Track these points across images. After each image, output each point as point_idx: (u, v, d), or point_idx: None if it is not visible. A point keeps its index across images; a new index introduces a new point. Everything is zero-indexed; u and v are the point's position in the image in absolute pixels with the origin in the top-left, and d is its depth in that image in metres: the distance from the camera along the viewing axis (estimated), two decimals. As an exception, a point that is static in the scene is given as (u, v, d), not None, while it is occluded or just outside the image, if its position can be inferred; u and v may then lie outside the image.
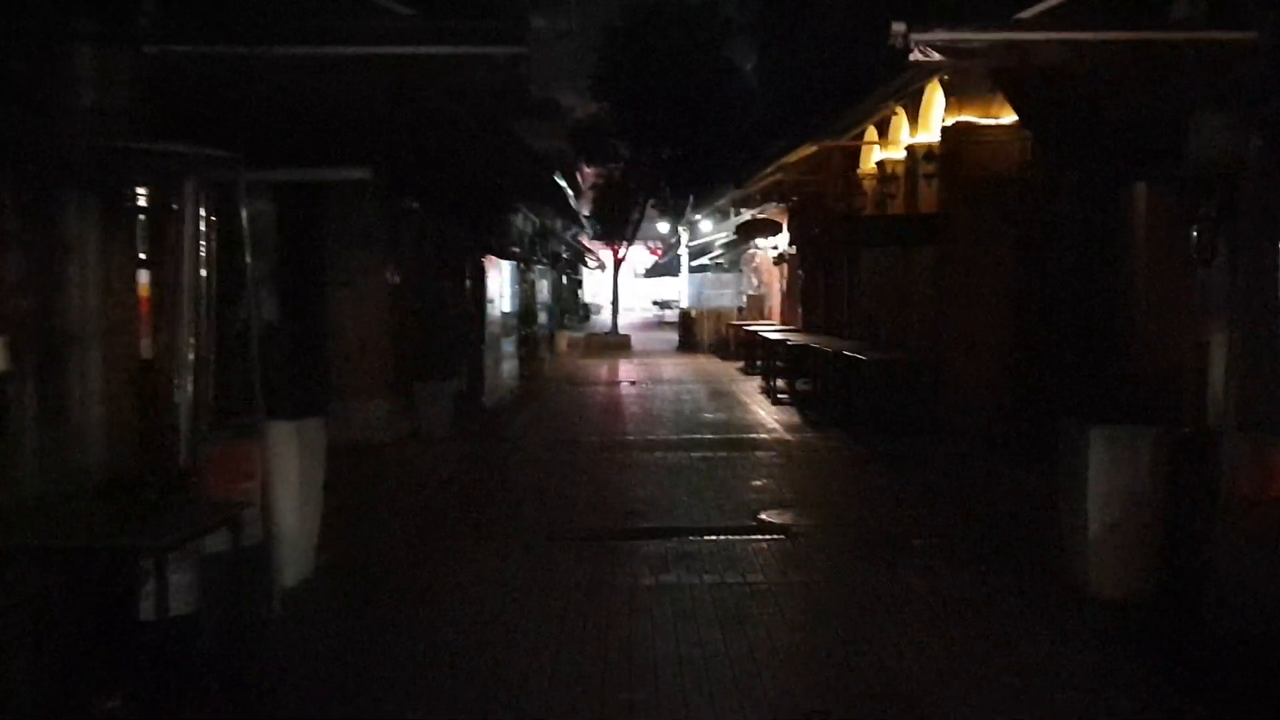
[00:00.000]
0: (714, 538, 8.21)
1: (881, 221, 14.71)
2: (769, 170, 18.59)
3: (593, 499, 9.74)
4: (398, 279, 13.46)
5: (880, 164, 16.36)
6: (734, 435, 13.57)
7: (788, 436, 13.38)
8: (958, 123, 12.90)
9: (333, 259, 12.76)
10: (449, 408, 13.61)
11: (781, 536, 8.23)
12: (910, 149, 14.81)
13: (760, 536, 8.23)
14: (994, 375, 12.60)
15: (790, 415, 15.37)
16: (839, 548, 7.89)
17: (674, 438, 13.43)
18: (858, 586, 6.93)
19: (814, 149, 17.69)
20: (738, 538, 8.19)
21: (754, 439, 13.24)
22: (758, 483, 10.40)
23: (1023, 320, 12.60)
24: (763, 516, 8.86)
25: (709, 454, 12.11)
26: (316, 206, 12.57)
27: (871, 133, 16.63)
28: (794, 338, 18.59)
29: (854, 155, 17.86)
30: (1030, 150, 12.67)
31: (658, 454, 12.18)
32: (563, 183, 24.15)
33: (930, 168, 13.75)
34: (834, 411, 14.72)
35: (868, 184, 17.09)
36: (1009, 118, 12.67)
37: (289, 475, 6.62)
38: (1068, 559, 6.86)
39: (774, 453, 12.20)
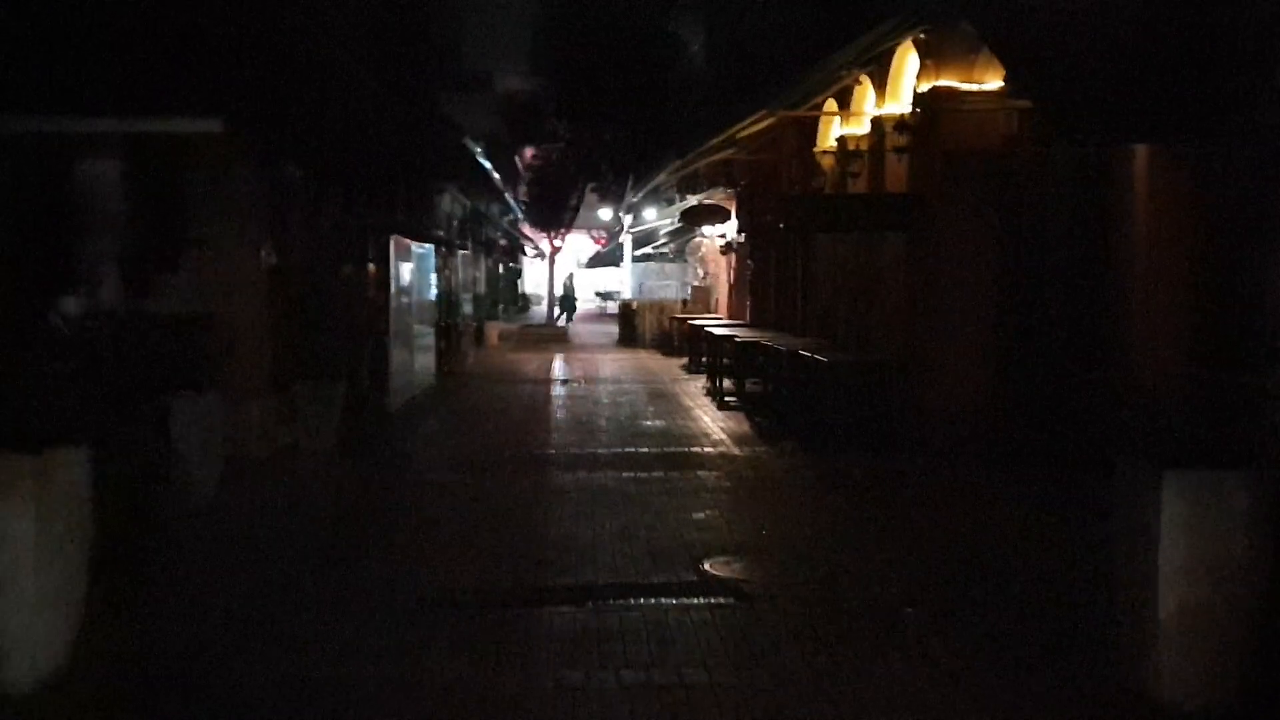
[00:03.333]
0: (643, 601, 6.25)
1: (844, 203, 12.84)
2: (717, 141, 16.64)
3: (494, 542, 7.62)
4: (277, 259, 11.36)
5: (841, 140, 14.51)
6: (675, 449, 11.61)
7: (737, 451, 11.44)
8: (935, 88, 11.06)
9: (196, 234, 10.65)
10: (336, 414, 11.53)
11: (731, 600, 6.28)
12: (876, 121, 12.96)
13: (703, 600, 6.25)
14: (976, 379, 10.81)
15: (739, 423, 13.45)
16: (808, 620, 5.92)
17: (604, 452, 11.44)
18: (840, 691, 4.98)
19: (768, 122, 15.76)
20: (674, 601, 6.20)
21: (698, 454, 11.28)
22: (700, 515, 8.42)
23: (1009, 316, 10.82)
24: (707, 567, 6.89)
25: (644, 474, 10.14)
26: (176, 170, 10.45)
27: (831, 105, 14.78)
28: (742, 333, 16.71)
29: (810, 131, 15.99)
30: (1018, 122, 10.90)
31: (583, 474, 10.18)
32: (488, 165, 22.03)
33: (901, 140, 11.90)
34: (789, 420, 12.85)
35: (826, 162, 15.22)
36: (994, 82, 10.88)
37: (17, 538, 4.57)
38: (1125, 649, 4.99)
39: (721, 473, 10.25)
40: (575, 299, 37.10)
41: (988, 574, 6.84)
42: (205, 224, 10.42)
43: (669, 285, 37.65)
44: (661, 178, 24.76)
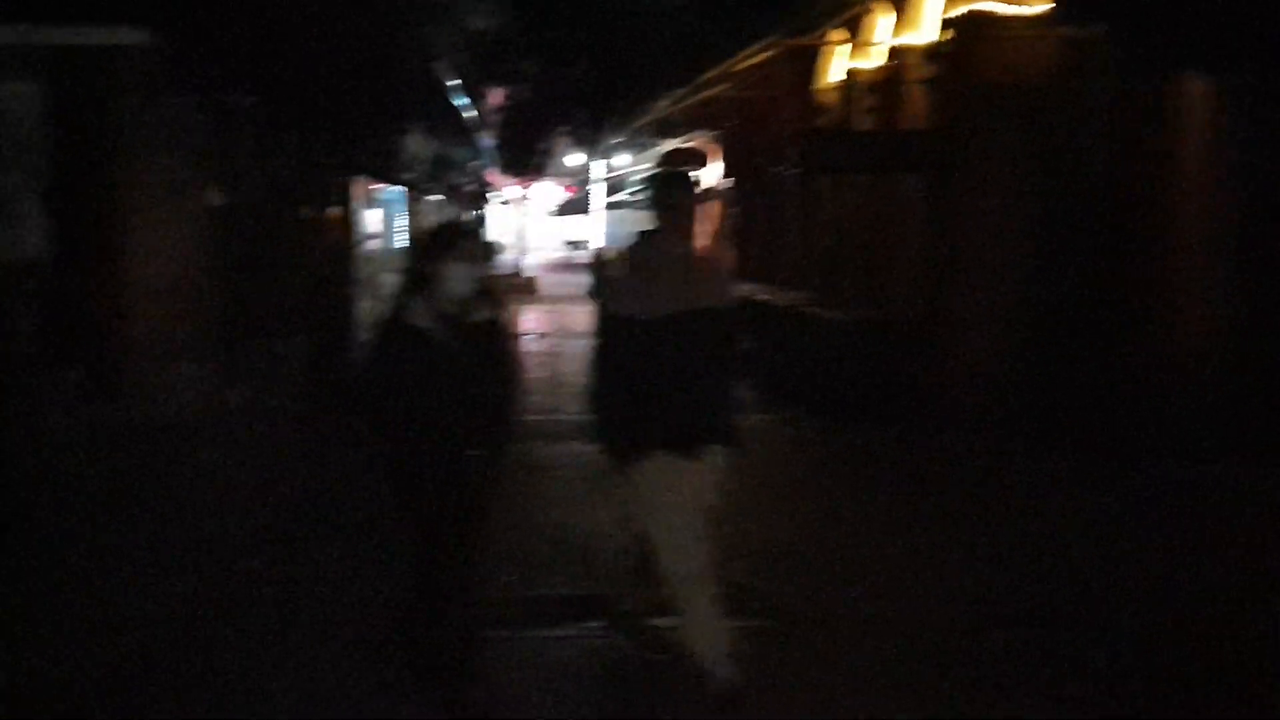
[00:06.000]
0: (658, 623, 5.08)
1: (861, 141, 11.59)
2: (711, 75, 15.33)
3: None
4: (224, 200, 10.01)
5: (851, 73, 13.25)
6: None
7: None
8: (971, 12, 9.83)
9: (128, 170, 9.26)
10: (292, 372, 10.26)
11: (770, 622, 5.09)
12: (895, 51, 11.71)
13: (733, 622, 5.08)
14: (1006, 341, 9.66)
15: (733, 385, 12.22)
16: (880, 651, 4.74)
17: (587, 419, 10.16)
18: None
19: (764, 55, 14.50)
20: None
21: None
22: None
23: (1047, 270, 9.67)
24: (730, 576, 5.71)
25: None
26: (103, 96, 9.04)
27: (838, 37, 13.52)
28: (731, 286, 15.50)
29: (809, 66, 14.69)
30: (1063, 52, 9.69)
31: (564, 447, 8.93)
32: (460, 102, 20.61)
33: (929, 71, 10.65)
34: (786, 384, 11.58)
35: (830, 100, 13.98)
36: (1039, 5, 9.66)
37: None
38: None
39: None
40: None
41: (1086, 581, 5.70)
42: (134, 158, 9.03)
43: (641, 234, 36.27)
44: (641, 130, 23.46)
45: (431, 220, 24.16)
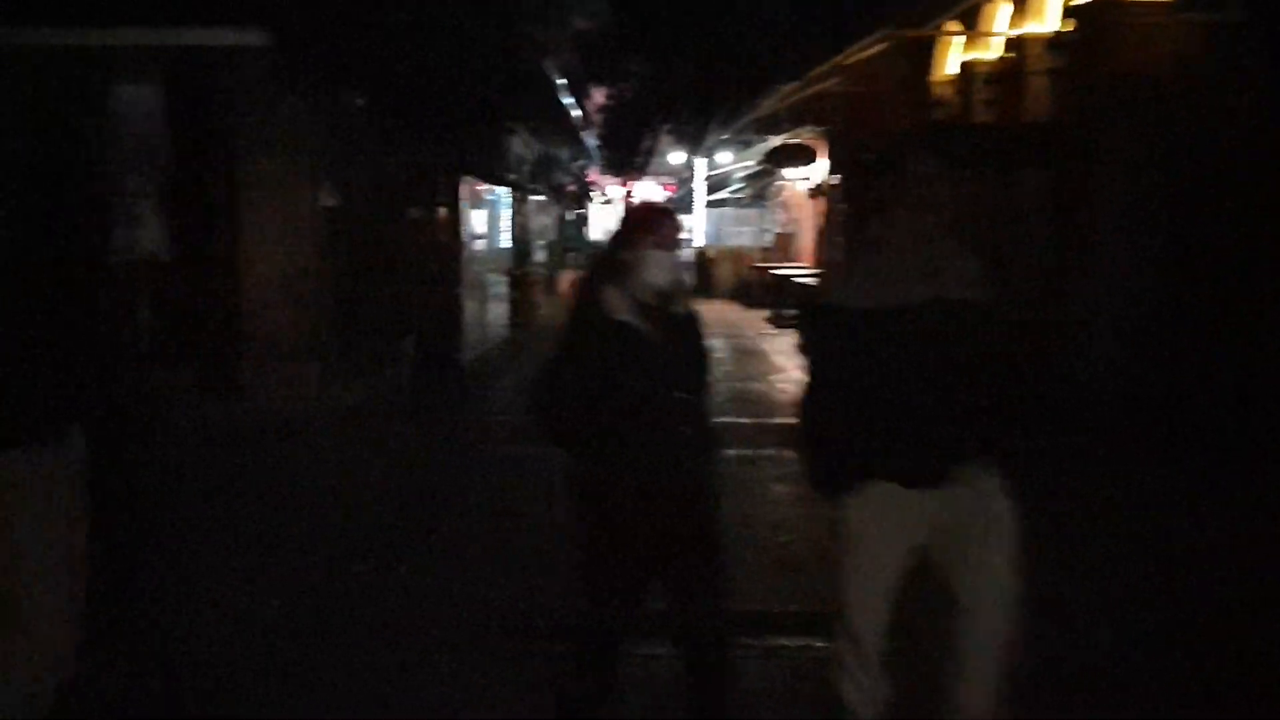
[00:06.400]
0: (790, 643, 4.88)
1: (983, 134, 11.21)
2: (820, 71, 15.05)
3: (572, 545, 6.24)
4: (336, 200, 10.07)
5: (967, 66, 12.87)
6: (784, 420, 10.18)
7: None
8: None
9: (245, 171, 9.38)
10: (405, 371, 10.30)
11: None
12: (1015, 42, 11.33)
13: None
14: (1136, 343, 9.24)
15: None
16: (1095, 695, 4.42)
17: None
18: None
19: (875, 49, 14.15)
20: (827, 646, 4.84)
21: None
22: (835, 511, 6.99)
23: (1180, 269, 9.22)
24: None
25: (752, 452, 8.74)
26: (220, 97, 9.16)
27: (953, 27, 13.14)
28: (840, 285, 15.23)
29: (923, 57, 14.31)
30: (1202, 40, 9.23)
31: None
32: (569, 101, 20.62)
33: (1055, 61, 10.26)
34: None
35: (945, 93, 13.60)
36: (1173, -10, 9.23)
37: None
38: None
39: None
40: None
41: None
42: (249, 158, 9.13)
43: (743, 232, 36.05)
44: (743, 129, 23.21)
45: (538, 221, 24.26)
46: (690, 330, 3.51)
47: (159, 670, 4.47)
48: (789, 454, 8.63)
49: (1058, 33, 10.29)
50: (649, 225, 3.46)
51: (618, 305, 3.36)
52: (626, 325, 3.34)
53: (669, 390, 3.38)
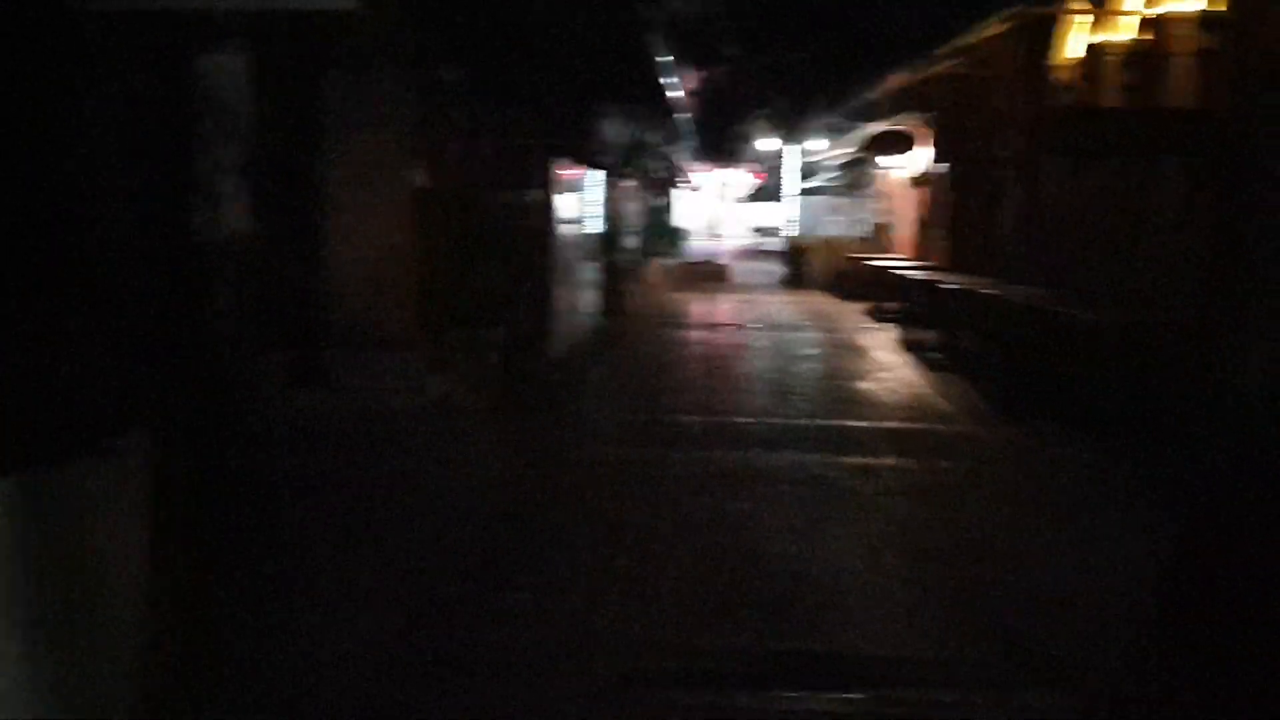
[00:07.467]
0: (934, 696, 4.26)
1: (1120, 121, 10.34)
2: (941, 52, 14.26)
3: (698, 570, 5.71)
4: (429, 182, 9.59)
5: (1094, 48, 11.99)
6: (895, 424, 9.52)
7: (980, 431, 9.28)
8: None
9: (336, 148, 8.93)
10: (494, 363, 9.81)
11: None
12: (1160, 21, 10.45)
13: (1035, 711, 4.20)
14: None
15: (963, 390, 11.20)
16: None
17: (806, 424, 9.42)
18: None
19: (994, 30, 13.35)
20: (991, 699, 4.21)
21: (929, 433, 9.15)
22: (976, 535, 6.34)
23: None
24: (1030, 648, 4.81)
25: (867, 460, 8.11)
26: (313, 68, 8.71)
27: (1080, 7, 12.26)
28: (946, 279, 14.48)
29: (1043, 40, 13.42)
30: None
31: (788, 455, 8.18)
32: (670, 82, 20.02)
33: (1203, 41, 9.41)
34: (1029, 391, 10.44)
35: (1068, 77, 12.72)
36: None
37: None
38: None
39: (975, 464, 8.07)
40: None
41: None
42: (341, 135, 8.68)
43: (836, 222, 35.18)
44: (841, 116, 22.42)
45: (629, 207, 23.71)
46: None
47: (252, 689, 4.02)
48: (906, 463, 8.00)
49: (1199, 11, 9.43)
50: None
51: None
52: None
53: None
